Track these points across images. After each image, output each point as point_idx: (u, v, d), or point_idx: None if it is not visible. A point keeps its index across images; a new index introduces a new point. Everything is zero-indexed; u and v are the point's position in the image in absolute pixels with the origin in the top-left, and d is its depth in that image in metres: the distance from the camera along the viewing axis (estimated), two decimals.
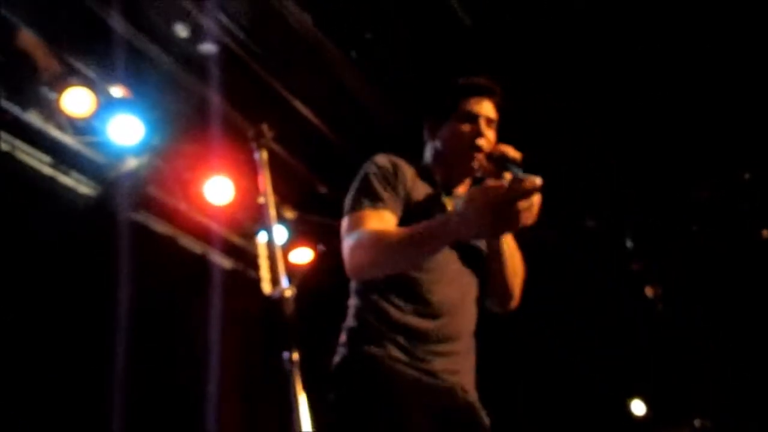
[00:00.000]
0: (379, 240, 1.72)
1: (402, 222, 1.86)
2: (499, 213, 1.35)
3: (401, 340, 1.80)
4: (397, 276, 1.85)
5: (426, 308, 1.85)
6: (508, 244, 2.01)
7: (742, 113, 4.66)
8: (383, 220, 1.81)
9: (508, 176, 1.90)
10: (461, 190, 2.08)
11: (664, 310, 5.55)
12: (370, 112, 4.53)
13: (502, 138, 2.04)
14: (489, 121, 2.03)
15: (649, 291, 5.65)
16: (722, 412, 4.94)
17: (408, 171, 1.95)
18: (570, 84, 4.51)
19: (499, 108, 2.07)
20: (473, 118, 2.00)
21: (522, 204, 1.33)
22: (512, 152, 1.92)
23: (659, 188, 5.28)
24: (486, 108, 2.03)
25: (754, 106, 4.62)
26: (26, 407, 3.44)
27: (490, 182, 1.43)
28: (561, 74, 4.44)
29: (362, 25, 4.09)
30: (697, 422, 4.77)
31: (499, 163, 1.92)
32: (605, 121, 4.79)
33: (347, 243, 1.79)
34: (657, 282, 5.62)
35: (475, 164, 1.99)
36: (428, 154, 2.11)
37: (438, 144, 2.07)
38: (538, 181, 1.32)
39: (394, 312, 1.84)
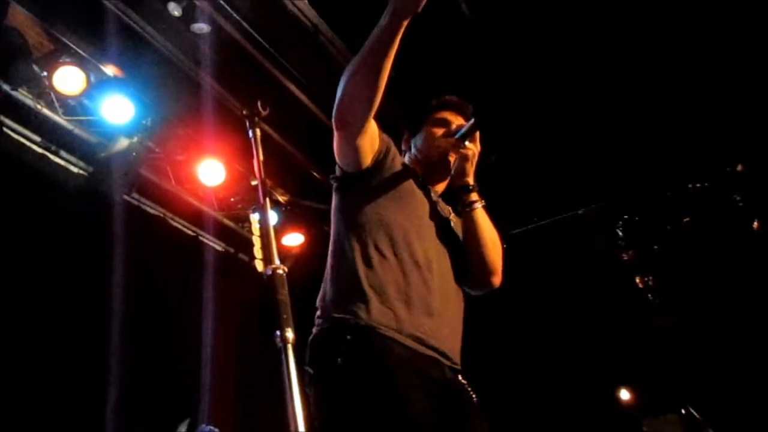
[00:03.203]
0: (351, 62, 1.83)
1: (386, 188, 1.95)
2: None
3: (386, 301, 1.78)
4: (375, 232, 1.87)
5: (408, 262, 1.85)
6: (483, 218, 2.07)
7: (735, 104, 4.67)
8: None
9: (471, 146, 2.08)
10: (439, 187, 2.18)
11: (654, 300, 5.58)
12: None
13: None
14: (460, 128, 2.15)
15: (639, 281, 5.67)
16: (710, 401, 4.98)
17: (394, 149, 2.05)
18: (566, 75, 4.50)
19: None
20: (446, 124, 2.16)
21: None
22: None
23: (651, 178, 5.29)
24: (459, 119, 2.18)
25: (747, 98, 4.63)
26: (20, 382, 3.43)
27: None
28: (558, 65, 4.44)
29: (360, 8, 4.05)
30: (684, 411, 4.81)
31: (454, 134, 2.09)
32: (599, 111, 4.79)
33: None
34: (647, 272, 5.63)
35: (439, 148, 2.11)
36: (406, 161, 2.19)
37: (414, 150, 2.20)
38: None
39: (375, 270, 1.82)
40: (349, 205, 1.96)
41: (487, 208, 2.09)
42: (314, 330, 1.83)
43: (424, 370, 1.75)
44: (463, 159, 2.08)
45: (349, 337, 1.73)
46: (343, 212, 1.98)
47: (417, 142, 2.19)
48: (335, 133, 1.91)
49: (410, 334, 1.76)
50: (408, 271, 1.84)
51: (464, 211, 2.06)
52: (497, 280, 2.08)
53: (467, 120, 2.18)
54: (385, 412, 1.63)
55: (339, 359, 1.71)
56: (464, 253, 2.04)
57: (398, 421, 1.62)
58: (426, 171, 2.13)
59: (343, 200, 2.00)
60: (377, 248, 1.85)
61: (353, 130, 1.87)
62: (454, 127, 2.14)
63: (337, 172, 2.01)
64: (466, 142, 2.07)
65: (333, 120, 1.88)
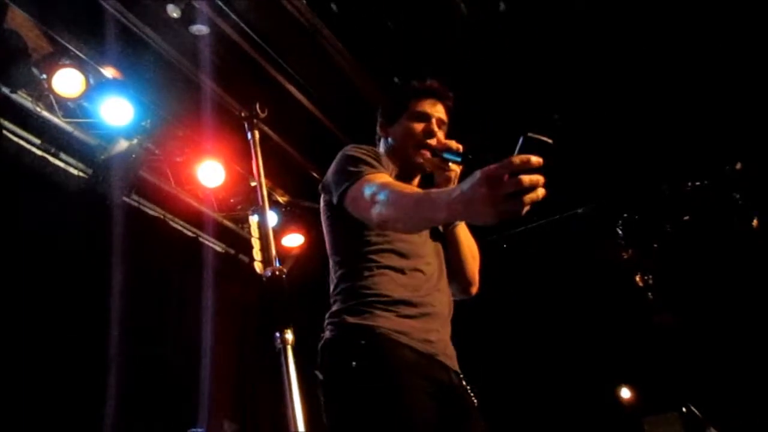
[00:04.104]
0: (403, 199, 1.66)
1: None
2: (501, 197, 1.27)
3: (398, 308, 1.81)
4: (382, 246, 1.88)
5: (416, 272, 1.88)
6: (464, 230, 2.09)
7: (734, 102, 4.67)
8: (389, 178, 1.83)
9: (453, 167, 2.00)
10: (416, 180, 2.14)
11: (654, 299, 5.58)
12: (364, 97, 4.50)
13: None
14: (440, 122, 2.11)
15: (639, 280, 5.68)
16: (711, 399, 4.98)
17: (383, 157, 2.01)
18: (566, 73, 4.50)
19: (450, 112, 2.15)
20: (426, 118, 2.09)
21: (525, 180, 1.24)
22: (454, 144, 2.00)
23: (650, 176, 5.30)
24: (439, 110, 2.12)
25: (746, 96, 4.63)
26: (20, 382, 3.43)
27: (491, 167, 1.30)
28: (557, 62, 4.44)
29: (358, 8, 4.06)
30: (684, 409, 4.81)
31: (440, 154, 2.00)
32: (598, 109, 4.79)
33: (368, 194, 1.74)
34: (647, 271, 5.63)
35: (419, 159, 2.05)
36: (382, 149, 2.16)
37: (390, 140, 2.14)
38: (533, 159, 1.24)
39: (386, 281, 1.84)
40: (346, 219, 1.90)
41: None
42: (326, 335, 1.85)
43: (433, 374, 1.80)
44: (445, 179, 2.04)
45: (363, 342, 1.76)
46: (342, 224, 1.95)
47: (395, 133, 2.12)
48: (366, 216, 1.78)
49: (421, 340, 1.81)
50: (415, 281, 1.88)
51: (446, 230, 2.07)
52: (475, 289, 2.13)
53: (446, 106, 2.13)
54: (395, 413, 1.67)
55: (353, 362, 1.74)
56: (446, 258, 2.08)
57: (406, 423, 1.66)
58: (400, 165, 2.09)
59: (338, 213, 1.93)
60: (381, 257, 1.88)
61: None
62: (433, 122, 2.07)
63: (334, 200, 1.90)
64: (450, 164, 2.01)
65: (371, 220, 1.76)
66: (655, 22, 4.23)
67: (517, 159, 1.25)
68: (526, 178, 1.24)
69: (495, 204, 1.27)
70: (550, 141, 1.26)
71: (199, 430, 3.78)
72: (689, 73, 4.52)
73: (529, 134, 1.27)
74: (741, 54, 4.39)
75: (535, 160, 1.25)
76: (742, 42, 4.33)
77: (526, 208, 1.28)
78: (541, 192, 1.26)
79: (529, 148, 1.26)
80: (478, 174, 1.30)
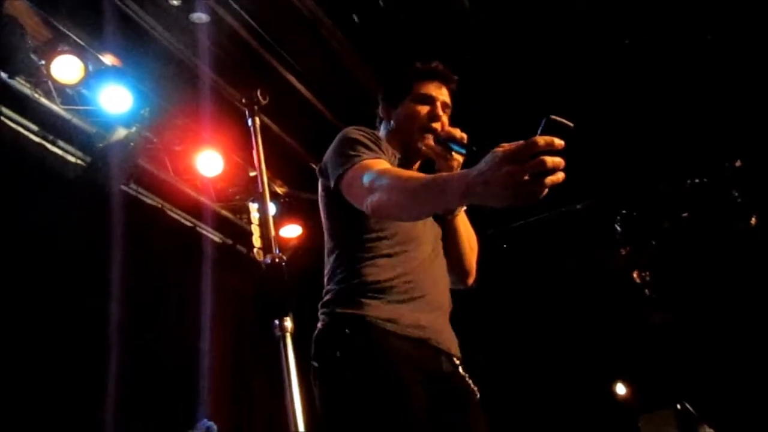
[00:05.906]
0: (406, 183, 1.59)
1: None
2: (520, 179, 1.20)
3: (385, 296, 1.79)
4: (377, 232, 1.85)
5: (407, 258, 1.85)
6: (463, 221, 2.05)
7: (733, 100, 4.67)
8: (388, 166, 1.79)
9: (456, 157, 1.95)
10: (416, 164, 2.11)
11: (652, 295, 5.60)
12: (364, 88, 4.48)
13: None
14: (445, 105, 2.06)
15: (636, 276, 5.69)
16: (705, 396, 5.00)
17: (383, 141, 1.97)
18: (565, 69, 4.50)
19: (454, 96, 2.10)
20: (431, 101, 2.04)
21: (548, 161, 1.18)
22: (458, 133, 1.96)
23: (649, 173, 5.30)
24: (444, 93, 2.07)
25: (746, 94, 4.63)
26: (18, 369, 3.42)
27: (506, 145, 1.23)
28: (556, 58, 4.43)
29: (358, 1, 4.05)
30: (679, 406, 4.83)
31: (445, 143, 1.96)
32: (597, 107, 4.79)
33: (366, 181, 1.69)
34: (645, 268, 5.65)
35: (422, 145, 2.01)
36: (383, 132, 2.12)
37: (393, 123, 2.09)
38: (557, 141, 1.18)
39: (376, 270, 1.82)
40: (343, 205, 1.85)
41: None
42: (318, 326, 1.84)
43: (422, 363, 1.76)
44: (447, 168, 1.98)
45: (348, 330, 1.74)
46: (337, 209, 1.91)
47: (398, 115, 2.07)
48: (360, 203, 1.73)
49: (408, 326, 1.78)
50: (408, 267, 1.84)
51: (446, 219, 2.03)
52: (472, 280, 2.09)
53: (450, 89, 2.09)
54: (383, 403, 1.65)
55: (338, 352, 1.72)
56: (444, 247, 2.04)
57: (396, 413, 1.64)
58: (401, 149, 2.04)
59: (335, 198, 1.89)
60: (376, 245, 1.85)
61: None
62: (438, 105, 2.03)
63: (331, 184, 1.87)
64: (453, 153, 1.96)
65: (366, 208, 1.70)
66: (655, 20, 4.23)
67: (541, 140, 1.19)
68: (549, 160, 1.19)
69: (515, 185, 1.21)
70: (571, 125, 1.21)
71: (208, 422, 3.76)
72: (689, 70, 4.52)
73: (552, 116, 1.22)
74: (740, 52, 4.39)
75: (558, 142, 1.20)
76: (742, 40, 4.33)
77: (545, 192, 1.22)
78: (561, 175, 1.20)
79: (551, 130, 1.21)
80: (498, 153, 1.24)
